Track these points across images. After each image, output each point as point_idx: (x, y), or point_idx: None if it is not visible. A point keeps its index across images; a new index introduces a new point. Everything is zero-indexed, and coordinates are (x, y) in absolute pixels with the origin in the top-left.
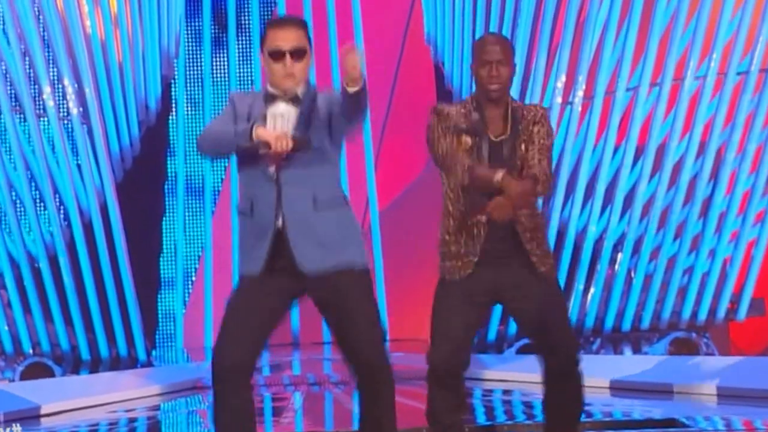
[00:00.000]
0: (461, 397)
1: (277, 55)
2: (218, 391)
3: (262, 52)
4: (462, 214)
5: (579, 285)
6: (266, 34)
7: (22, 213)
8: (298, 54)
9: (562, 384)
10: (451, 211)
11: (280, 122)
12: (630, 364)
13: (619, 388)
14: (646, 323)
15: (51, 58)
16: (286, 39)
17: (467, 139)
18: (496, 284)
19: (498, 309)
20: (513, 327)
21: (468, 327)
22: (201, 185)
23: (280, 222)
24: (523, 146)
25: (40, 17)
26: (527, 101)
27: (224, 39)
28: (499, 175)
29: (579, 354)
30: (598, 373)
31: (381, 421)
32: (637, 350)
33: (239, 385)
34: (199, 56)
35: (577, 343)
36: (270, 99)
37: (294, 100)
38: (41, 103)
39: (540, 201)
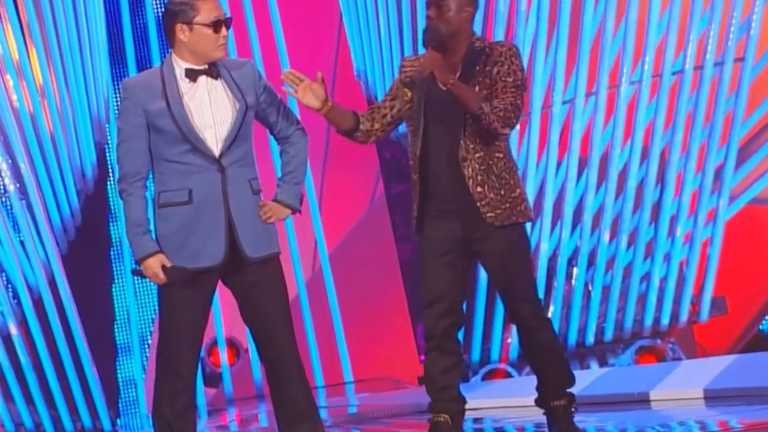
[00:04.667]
0: (456, 358)
1: (218, 24)
2: (169, 396)
3: (184, 23)
4: (411, 168)
5: None
6: (195, 5)
7: None
8: (227, 24)
9: (532, 332)
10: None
11: (205, 101)
12: (597, 378)
13: (588, 403)
14: (609, 335)
15: None
16: (217, 8)
17: (407, 92)
18: (464, 237)
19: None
20: (476, 354)
21: (451, 285)
22: None
23: (227, 207)
24: (478, 88)
25: None
26: None
27: None
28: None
29: (540, 304)
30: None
31: (293, 404)
32: (603, 363)
33: (193, 389)
34: None
35: (537, 298)
36: (190, 74)
37: (211, 72)
38: None
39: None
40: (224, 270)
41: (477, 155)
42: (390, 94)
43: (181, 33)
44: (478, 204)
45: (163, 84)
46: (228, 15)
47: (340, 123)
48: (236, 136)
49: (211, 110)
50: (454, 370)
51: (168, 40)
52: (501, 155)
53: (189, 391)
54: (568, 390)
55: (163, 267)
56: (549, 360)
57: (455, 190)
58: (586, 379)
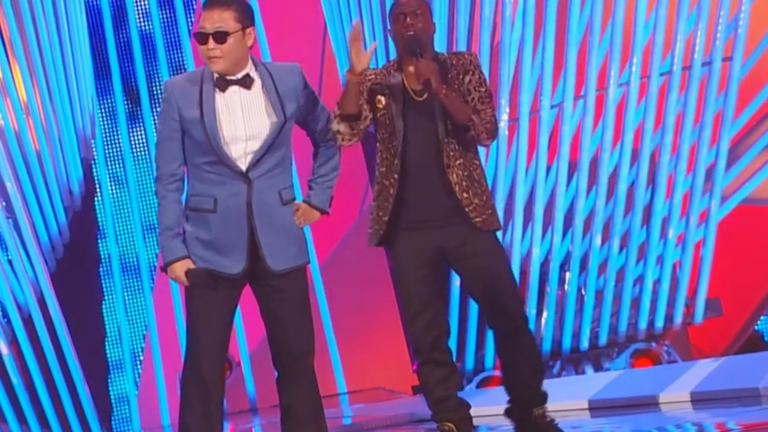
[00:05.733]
0: (450, 368)
1: (199, 38)
2: (193, 400)
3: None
4: (382, 175)
5: (531, 310)
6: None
7: None
8: (219, 36)
9: (519, 334)
10: (376, 176)
11: (238, 115)
12: (593, 383)
13: (583, 409)
14: (603, 339)
15: None
16: (209, 20)
17: (381, 99)
18: (440, 246)
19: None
20: (470, 362)
21: (432, 296)
22: (136, 263)
23: (251, 218)
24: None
25: None
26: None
27: (139, 112)
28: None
29: (524, 312)
30: (564, 396)
31: (298, 409)
32: (598, 368)
33: (215, 395)
34: (116, 133)
35: (522, 302)
36: (221, 83)
37: (244, 83)
38: None
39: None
40: (251, 277)
41: (458, 162)
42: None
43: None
44: (466, 209)
45: (200, 91)
46: (219, 28)
47: (355, 102)
48: (268, 150)
49: (243, 124)
50: (450, 379)
51: None
52: (477, 162)
53: (216, 400)
54: (543, 398)
55: (187, 271)
56: (533, 365)
57: (438, 197)
58: (581, 385)
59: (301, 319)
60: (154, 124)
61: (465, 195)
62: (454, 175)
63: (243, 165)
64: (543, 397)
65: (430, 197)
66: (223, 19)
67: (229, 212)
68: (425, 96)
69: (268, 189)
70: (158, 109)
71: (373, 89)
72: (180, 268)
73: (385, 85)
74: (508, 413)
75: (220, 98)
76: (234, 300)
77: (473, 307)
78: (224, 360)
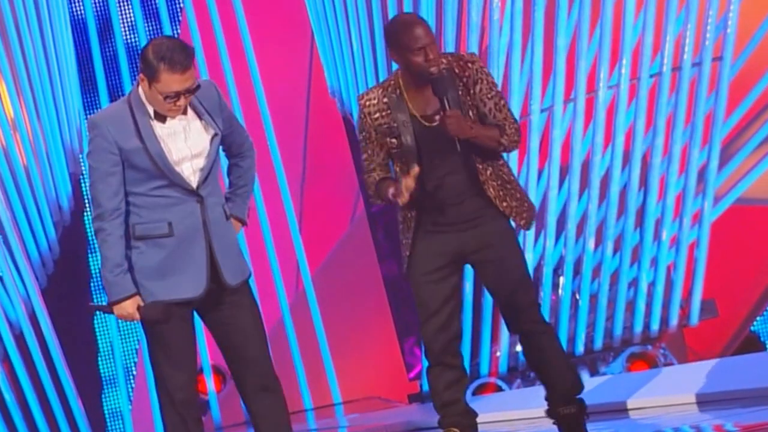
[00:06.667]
0: (459, 372)
1: (171, 98)
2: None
3: (146, 79)
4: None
5: None
6: (158, 75)
7: None
8: (189, 93)
9: (541, 337)
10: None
11: (180, 135)
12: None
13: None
14: (599, 344)
15: None
16: (182, 82)
17: (392, 141)
18: (458, 249)
19: None
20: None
21: (446, 300)
22: None
23: (208, 237)
24: (471, 113)
25: None
26: None
27: None
28: (409, 178)
29: (540, 311)
30: None
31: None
32: (594, 372)
33: (195, 418)
34: None
35: (537, 302)
36: (159, 117)
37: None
38: None
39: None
40: (201, 301)
41: (489, 172)
42: (372, 142)
43: (143, 83)
44: (511, 217)
45: (135, 121)
46: (194, 84)
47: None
48: (212, 165)
49: (186, 144)
50: (459, 384)
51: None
52: (502, 161)
53: (197, 422)
54: (578, 396)
55: (138, 307)
56: (558, 365)
57: (464, 213)
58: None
59: (262, 332)
60: None
61: (505, 204)
62: (492, 189)
63: (194, 183)
64: (572, 396)
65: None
66: (192, 76)
67: (186, 233)
68: (436, 120)
69: (216, 205)
70: (86, 150)
71: (381, 130)
72: (131, 305)
73: (393, 126)
74: (548, 413)
75: (158, 126)
76: (192, 322)
77: (467, 314)
78: (196, 381)
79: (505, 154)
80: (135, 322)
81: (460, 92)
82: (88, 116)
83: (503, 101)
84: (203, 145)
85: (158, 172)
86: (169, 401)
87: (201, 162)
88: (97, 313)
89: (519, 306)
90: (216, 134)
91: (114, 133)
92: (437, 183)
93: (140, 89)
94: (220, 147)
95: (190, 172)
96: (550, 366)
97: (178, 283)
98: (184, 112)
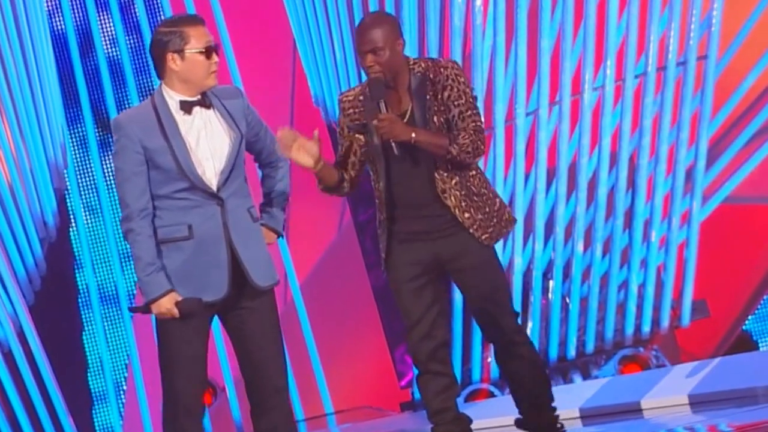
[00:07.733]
0: (448, 379)
1: (210, 51)
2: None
3: (176, 52)
4: (378, 210)
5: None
6: (184, 33)
7: None
8: (218, 47)
9: (517, 347)
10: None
11: (202, 135)
12: (582, 391)
13: (573, 418)
14: (590, 347)
15: None
16: (209, 34)
17: (359, 137)
18: (435, 257)
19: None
20: (457, 375)
21: (428, 307)
22: (115, 293)
23: (229, 239)
24: (436, 118)
25: None
26: None
27: (110, 139)
28: (312, 142)
29: (518, 325)
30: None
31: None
32: (586, 376)
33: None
34: (88, 162)
35: (516, 314)
36: (185, 106)
37: (204, 102)
38: None
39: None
40: (223, 304)
41: (454, 182)
42: (344, 139)
43: (173, 62)
44: (471, 230)
45: (159, 119)
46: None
47: (329, 179)
48: (233, 168)
49: (207, 143)
50: (449, 391)
51: (158, 72)
52: (474, 172)
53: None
54: (553, 405)
55: (176, 302)
56: (535, 375)
57: (437, 221)
58: (570, 393)
59: (275, 338)
60: None
61: (467, 215)
62: (452, 198)
63: (214, 185)
64: (549, 406)
65: (424, 225)
66: (209, 33)
67: (206, 236)
68: (405, 120)
69: (239, 208)
70: (112, 150)
71: (352, 128)
72: (168, 301)
73: (362, 123)
74: (518, 424)
75: (182, 122)
76: (208, 330)
77: (457, 320)
78: (204, 392)
79: (481, 165)
80: (174, 317)
81: (428, 97)
82: (113, 117)
83: (472, 111)
84: (224, 145)
85: (180, 172)
86: (174, 414)
87: (221, 163)
88: (90, 327)
89: (495, 315)
90: (237, 137)
91: (138, 132)
92: (404, 187)
93: (164, 85)
94: (251, 154)
95: (212, 173)
96: (529, 374)
97: (200, 286)
98: (208, 106)
